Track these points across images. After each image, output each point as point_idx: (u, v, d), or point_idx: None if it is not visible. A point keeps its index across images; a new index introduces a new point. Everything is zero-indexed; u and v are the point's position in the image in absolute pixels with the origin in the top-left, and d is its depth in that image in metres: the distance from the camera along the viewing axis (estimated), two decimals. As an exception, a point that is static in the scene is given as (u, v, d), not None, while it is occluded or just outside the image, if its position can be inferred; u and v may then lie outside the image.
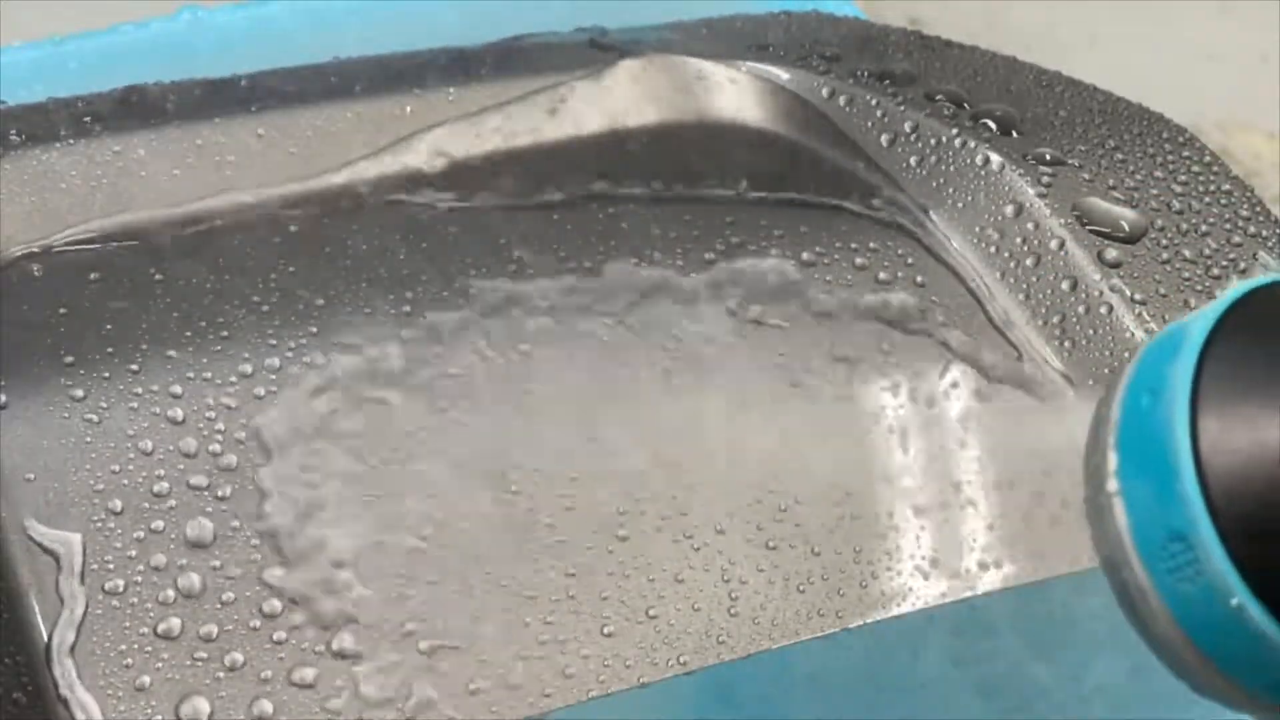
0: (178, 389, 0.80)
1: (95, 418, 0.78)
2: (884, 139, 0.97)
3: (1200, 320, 0.54)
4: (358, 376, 0.82)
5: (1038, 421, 0.87)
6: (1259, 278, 0.56)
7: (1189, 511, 0.52)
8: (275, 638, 0.73)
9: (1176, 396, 0.52)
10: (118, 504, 0.76)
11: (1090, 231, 0.91)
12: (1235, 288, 0.54)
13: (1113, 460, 0.54)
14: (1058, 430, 0.86)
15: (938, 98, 0.98)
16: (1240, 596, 0.51)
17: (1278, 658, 0.51)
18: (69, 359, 0.80)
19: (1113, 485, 0.54)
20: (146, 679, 0.71)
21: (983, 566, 0.81)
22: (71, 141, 0.90)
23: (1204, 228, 0.92)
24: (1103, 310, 0.88)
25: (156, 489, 0.76)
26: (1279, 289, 0.55)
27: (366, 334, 0.84)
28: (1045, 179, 0.93)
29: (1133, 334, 0.87)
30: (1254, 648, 0.52)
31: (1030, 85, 1.02)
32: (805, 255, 0.91)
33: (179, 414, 0.79)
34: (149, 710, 0.70)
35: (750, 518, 0.80)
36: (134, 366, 0.81)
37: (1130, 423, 0.54)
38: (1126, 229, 0.91)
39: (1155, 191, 0.94)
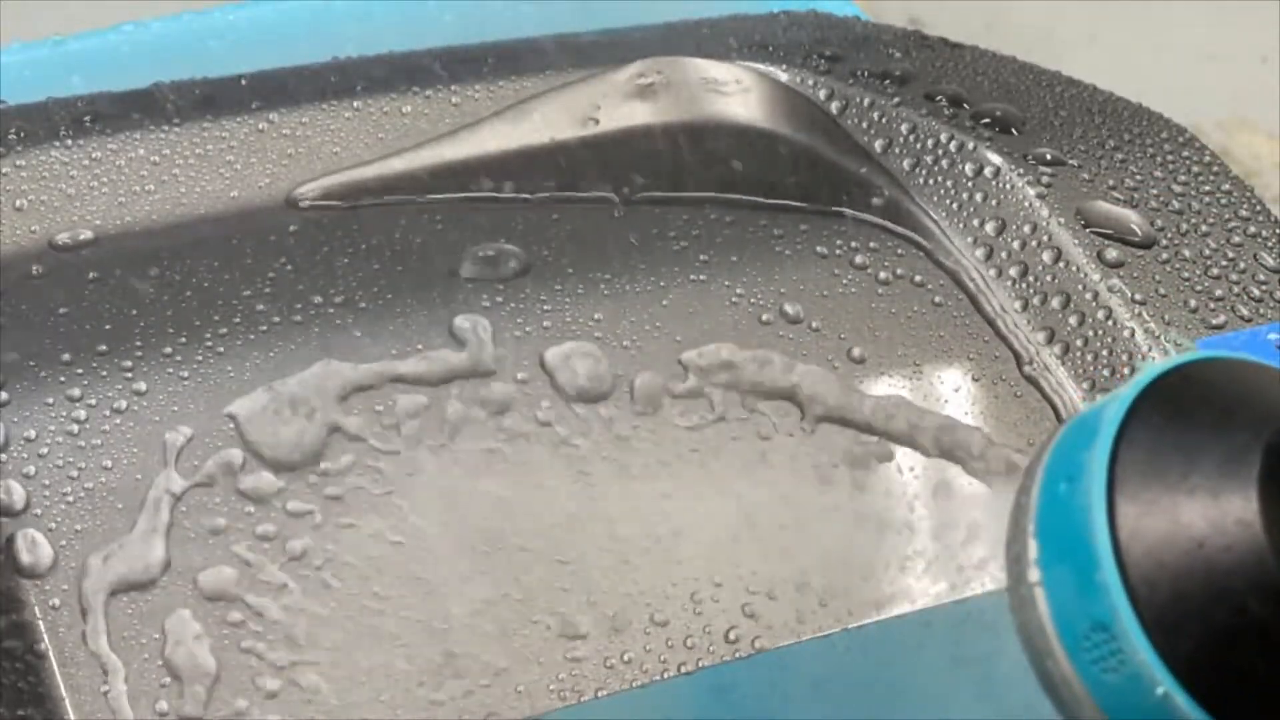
0: (175, 388, 0.80)
1: (93, 416, 0.78)
2: (884, 139, 0.97)
3: (1113, 405, 0.53)
4: (357, 375, 0.82)
5: (1037, 421, 0.87)
6: (1169, 359, 0.55)
7: (1110, 601, 0.51)
8: (273, 634, 0.73)
9: (1093, 483, 0.52)
10: (118, 504, 0.76)
11: (1094, 233, 0.91)
12: (1146, 370, 0.54)
13: (1033, 549, 0.54)
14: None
15: (938, 98, 0.98)
16: (1166, 685, 0.51)
17: None
18: (66, 357, 0.80)
19: (1034, 575, 0.54)
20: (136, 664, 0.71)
21: (982, 566, 0.81)
22: (71, 141, 0.90)
23: (1204, 228, 0.92)
24: (1102, 311, 0.88)
25: (156, 488, 0.76)
26: (1189, 369, 0.55)
27: (366, 334, 0.84)
28: (1045, 179, 0.93)
29: (1132, 334, 0.87)
30: None
31: (1030, 85, 1.02)
32: (806, 255, 0.91)
33: (177, 413, 0.79)
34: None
35: (751, 520, 0.80)
36: (130, 365, 0.81)
37: (1048, 511, 0.54)
38: (1139, 235, 0.91)
39: (1155, 191, 0.94)
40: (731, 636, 0.77)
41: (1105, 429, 0.53)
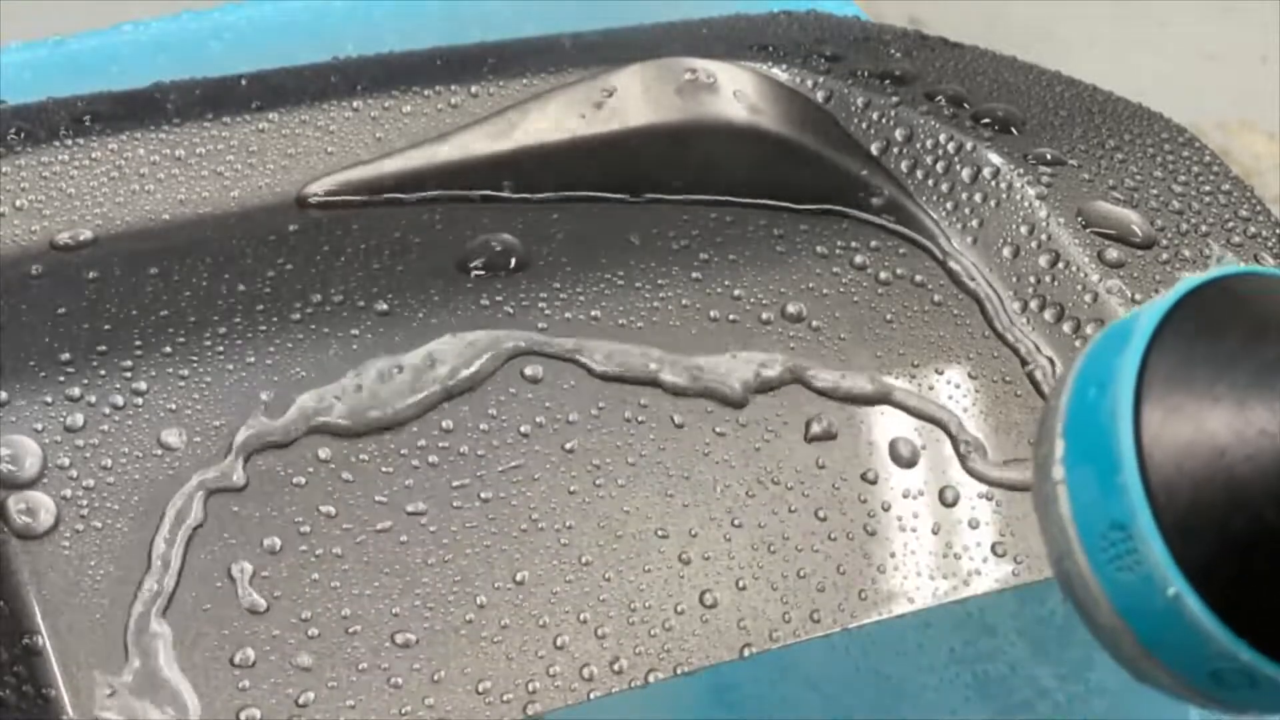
0: (174, 388, 0.80)
1: (92, 416, 0.78)
2: (884, 139, 0.97)
3: (1148, 314, 0.54)
4: (355, 375, 0.82)
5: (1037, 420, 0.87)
6: (1209, 271, 0.56)
7: (1129, 502, 0.52)
8: (272, 632, 0.73)
9: (1121, 388, 0.53)
10: (114, 504, 0.76)
11: (1094, 233, 0.91)
12: (1184, 281, 0.55)
13: (1059, 449, 0.55)
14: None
15: (938, 98, 0.98)
16: (1177, 586, 0.52)
17: (1214, 648, 0.52)
18: (66, 357, 0.80)
19: (1058, 473, 0.55)
20: (137, 663, 0.71)
21: (982, 566, 0.81)
22: (71, 141, 0.90)
23: (1204, 228, 0.92)
24: (1102, 311, 0.88)
25: (153, 487, 0.76)
26: (1228, 282, 0.55)
27: (365, 334, 0.84)
28: (1045, 179, 0.93)
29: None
30: (1190, 638, 0.52)
31: (1030, 85, 1.02)
32: (806, 255, 0.91)
33: (176, 413, 0.79)
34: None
35: (751, 520, 0.80)
36: (130, 365, 0.81)
37: (1077, 413, 0.55)
38: (1139, 235, 0.91)
39: (1155, 191, 0.94)
40: (731, 636, 0.77)
41: (1138, 336, 0.54)
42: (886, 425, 0.85)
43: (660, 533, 0.79)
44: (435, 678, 0.74)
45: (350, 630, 0.74)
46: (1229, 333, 0.53)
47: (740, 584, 0.79)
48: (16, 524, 0.74)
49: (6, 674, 0.71)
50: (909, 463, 0.84)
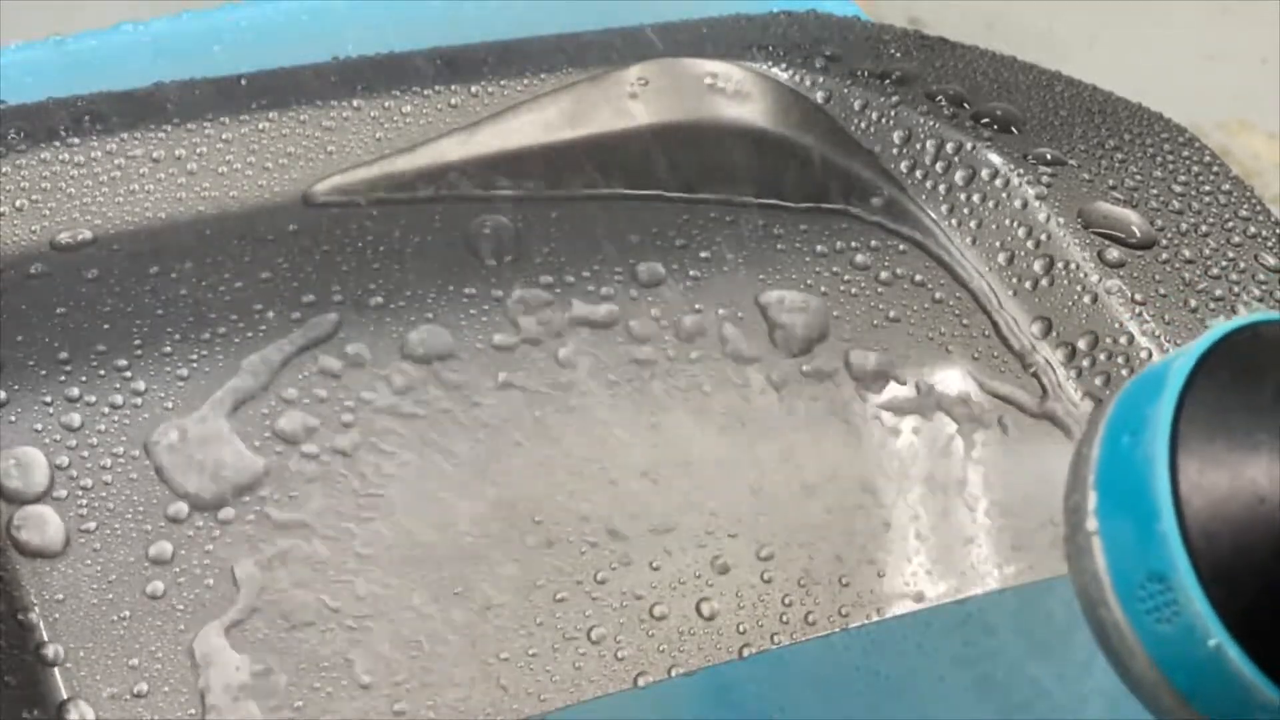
0: (174, 388, 0.80)
1: (91, 415, 0.78)
2: (884, 139, 0.97)
3: (1180, 360, 0.54)
4: (355, 374, 0.82)
5: (1036, 420, 0.87)
6: (1240, 318, 0.55)
7: (1168, 552, 0.51)
8: (272, 633, 0.73)
9: (1156, 436, 0.52)
10: (112, 504, 0.76)
11: (1094, 233, 0.91)
12: (1216, 328, 0.54)
13: (1092, 499, 0.54)
14: (1057, 431, 0.86)
15: (938, 98, 0.98)
16: (1218, 638, 0.51)
17: (1254, 698, 0.51)
18: (65, 356, 0.80)
19: (1091, 524, 0.54)
20: (136, 661, 0.71)
21: (982, 567, 0.81)
22: (71, 141, 0.90)
23: (1204, 228, 0.92)
24: (1102, 311, 0.88)
25: (152, 484, 0.76)
26: (1260, 329, 0.55)
27: (364, 333, 0.84)
28: (1045, 179, 0.93)
29: (1131, 336, 0.87)
30: (1230, 688, 0.51)
31: (1030, 85, 1.02)
32: (806, 254, 0.91)
33: (176, 413, 0.79)
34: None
35: (751, 519, 0.80)
36: (129, 365, 0.81)
37: (1110, 462, 0.54)
38: (1138, 235, 0.91)
39: (1155, 191, 0.94)
40: (731, 636, 0.77)
41: (1171, 382, 0.53)
42: (887, 425, 0.85)
43: (660, 533, 0.79)
44: (435, 678, 0.74)
45: (349, 630, 0.74)
46: (1265, 378, 0.53)
47: (740, 584, 0.79)
48: (16, 524, 0.74)
49: (7, 675, 0.71)
50: (909, 462, 0.84)
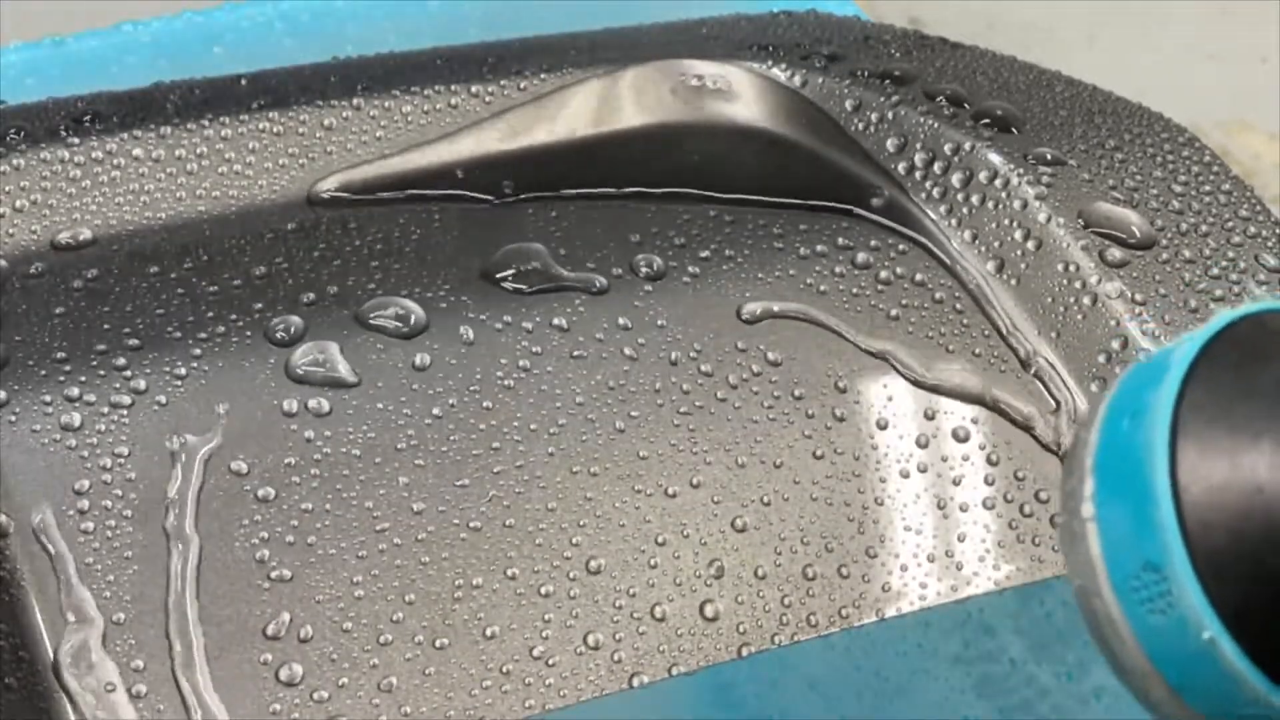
0: (173, 388, 0.80)
1: (91, 416, 0.78)
2: (884, 139, 0.97)
3: (1184, 346, 0.53)
4: (354, 374, 0.82)
5: (1036, 420, 0.87)
6: (1246, 306, 0.54)
7: (1164, 541, 0.50)
8: (269, 631, 0.73)
9: (1156, 422, 0.51)
10: (110, 503, 0.76)
11: (1094, 233, 0.91)
12: (1221, 315, 0.53)
13: (1089, 485, 0.53)
14: (1056, 431, 0.86)
15: (938, 98, 0.98)
16: (1212, 631, 0.50)
17: (1246, 693, 0.50)
18: (65, 356, 0.80)
19: (1087, 510, 0.53)
20: (139, 662, 0.71)
21: (982, 567, 0.81)
22: (71, 141, 0.90)
23: (1204, 228, 0.92)
24: (1102, 311, 0.88)
25: (152, 486, 0.76)
26: (1266, 318, 0.54)
27: (365, 332, 0.84)
28: (1045, 179, 0.93)
29: (1128, 338, 0.87)
30: (1223, 683, 0.51)
31: (1030, 85, 1.02)
32: (806, 254, 0.91)
33: (175, 413, 0.79)
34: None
35: (751, 520, 0.80)
36: (129, 365, 0.81)
37: (1109, 447, 0.53)
38: (1139, 235, 0.91)
39: (1155, 191, 0.94)
40: (730, 636, 0.77)
41: (1174, 369, 0.52)
42: (887, 424, 0.85)
43: (660, 533, 0.79)
44: (435, 677, 0.74)
45: (345, 629, 0.74)
46: (1267, 367, 0.52)
47: (740, 584, 0.79)
48: (14, 524, 0.74)
49: (7, 675, 0.71)
50: (909, 462, 0.84)
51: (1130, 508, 0.52)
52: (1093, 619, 0.54)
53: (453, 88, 0.97)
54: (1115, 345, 0.87)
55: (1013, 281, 0.91)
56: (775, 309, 0.88)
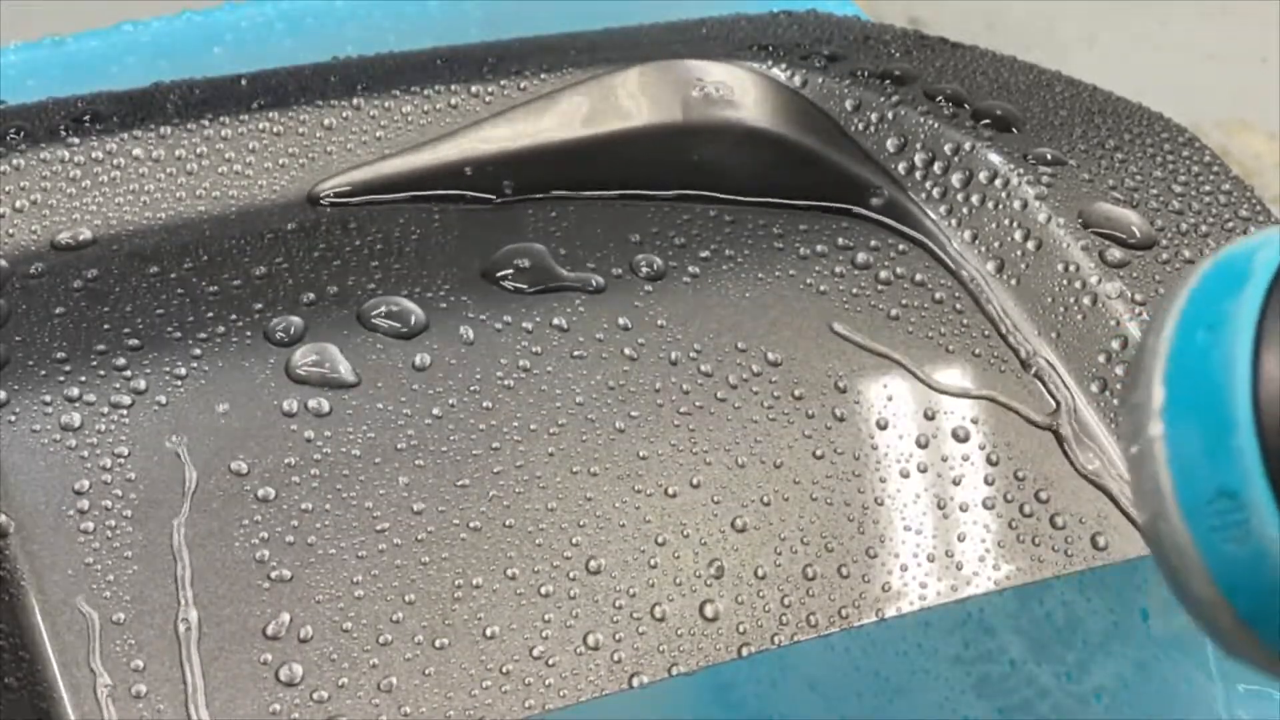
0: (173, 388, 0.80)
1: (91, 416, 0.78)
2: (884, 138, 0.97)
3: (1268, 250, 0.48)
4: (354, 374, 0.82)
5: (1037, 420, 0.87)
6: None
7: (1242, 467, 0.46)
8: (269, 631, 0.73)
9: (1238, 336, 0.47)
10: (109, 503, 0.76)
11: (1094, 233, 0.91)
12: None
13: (1158, 397, 0.48)
14: (1056, 432, 0.86)
15: (938, 98, 0.98)
16: None
17: None
18: (64, 356, 0.80)
19: (1155, 428, 0.48)
20: (139, 662, 0.71)
21: (981, 567, 0.81)
22: (71, 141, 0.90)
23: (1204, 228, 0.92)
24: (1102, 311, 0.88)
25: (152, 486, 0.76)
26: None
27: (363, 334, 0.84)
28: (1045, 179, 0.93)
29: (1127, 339, 0.87)
30: None
31: (1030, 85, 1.02)
32: (806, 254, 0.91)
33: (176, 413, 0.79)
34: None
35: (751, 521, 0.80)
36: (129, 365, 0.81)
37: (1182, 359, 0.48)
38: (1139, 235, 0.91)
39: (1155, 191, 0.94)
40: (730, 636, 0.77)
41: (1257, 276, 0.48)
42: (887, 424, 0.85)
43: (660, 533, 0.79)
44: (435, 677, 0.74)
45: (345, 629, 0.74)
46: None
47: (740, 584, 0.79)
48: (14, 524, 0.74)
49: (7, 675, 0.71)
50: (909, 462, 0.84)
51: (1206, 428, 0.47)
52: (1157, 544, 0.49)
53: (453, 88, 0.97)
54: (1115, 345, 0.87)
55: (1013, 281, 0.91)
56: (776, 309, 0.88)
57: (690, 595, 0.78)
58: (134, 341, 0.82)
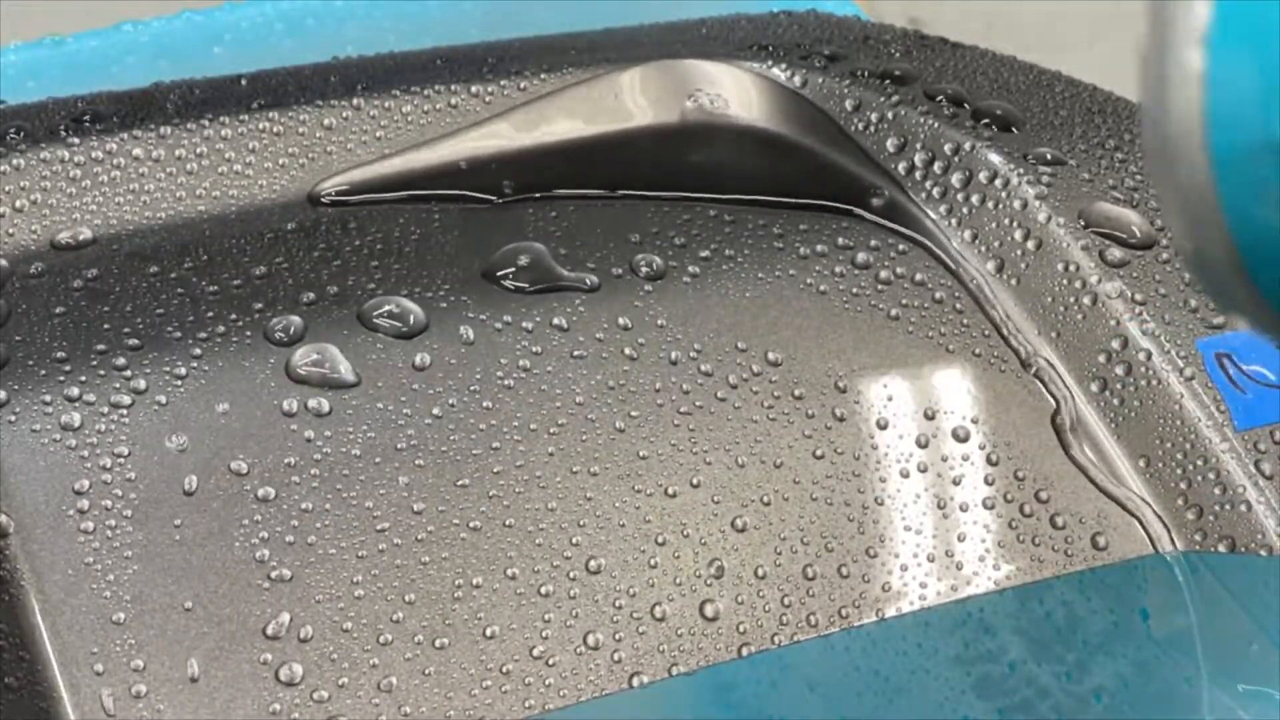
0: (173, 388, 0.80)
1: (91, 416, 0.78)
2: (884, 138, 0.97)
3: None
4: (354, 374, 0.82)
5: (1039, 421, 0.87)
6: None
7: None
8: (269, 631, 0.73)
9: None
10: (109, 503, 0.76)
11: (1094, 233, 0.91)
12: None
13: (1201, 14, 0.39)
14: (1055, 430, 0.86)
15: (938, 98, 0.98)
16: None
17: None
18: (64, 356, 0.80)
19: (1195, 58, 0.39)
20: (139, 662, 0.71)
21: (982, 567, 0.81)
22: (71, 141, 0.90)
23: (1204, 228, 0.92)
24: (1102, 311, 0.88)
25: (152, 486, 0.76)
26: None
27: (363, 334, 0.84)
28: (1045, 179, 0.93)
29: (1127, 339, 0.87)
30: None
31: (1030, 85, 1.02)
32: (806, 254, 0.91)
33: (176, 413, 0.79)
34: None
35: (751, 521, 0.80)
36: (129, 365, 0.81)
37: None
38: (1138, 235, 0.91)
39: (1155, 191, 0.93)
40: (730, 636, 0.77)
41: None
42: (887, 424, 0.85)
43: (660, 533, 0.79)
44: (435, 677, 0.74)
45: (345, 629, 0.74)
46: None
47: (740, 584, 0.79)
48: (14, 524, 0.74)
49: (7, 675, 0.71)
50: (909, 462, 0.84)
51: (1259, 64, 0.38)
52: (1175, 193, 0.41)
53: (453, 88, 0.97)
54: (1115, 345, 0.87)
55: (1013, 281, 0.91)
56: (776, 309, 0.88)
57: (690, 595, 0.78)
58: (134, 341, 0.82)
